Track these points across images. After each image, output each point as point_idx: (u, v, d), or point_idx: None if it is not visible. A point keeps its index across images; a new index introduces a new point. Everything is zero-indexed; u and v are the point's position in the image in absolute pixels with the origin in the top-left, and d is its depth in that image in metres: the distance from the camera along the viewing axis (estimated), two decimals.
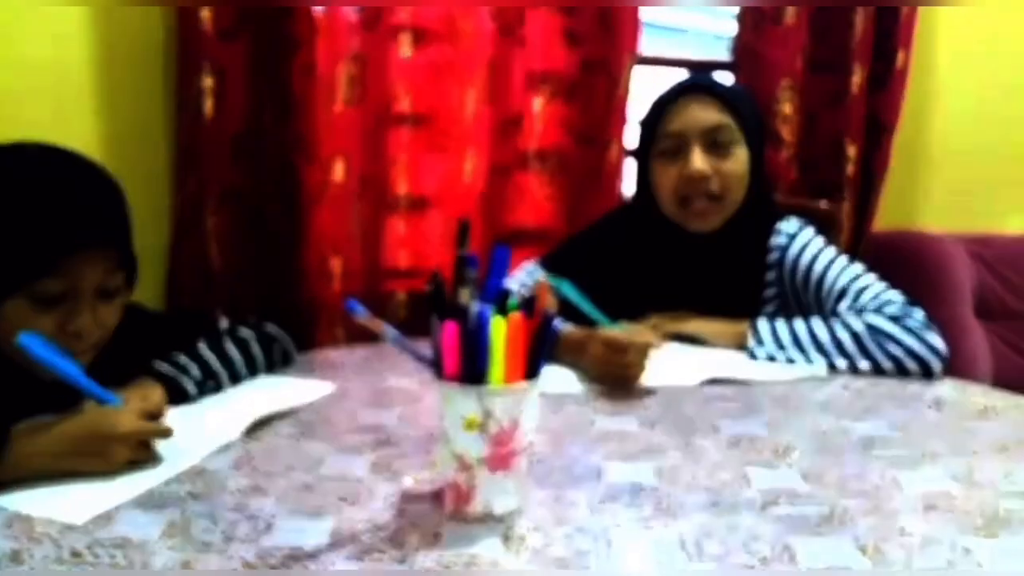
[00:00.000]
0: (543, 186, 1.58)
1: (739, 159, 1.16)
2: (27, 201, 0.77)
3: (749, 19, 1.64)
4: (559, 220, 1.59)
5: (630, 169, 1.40)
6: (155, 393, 0.81)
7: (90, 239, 0.79)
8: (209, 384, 0.92)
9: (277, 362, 1.05)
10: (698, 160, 1.13)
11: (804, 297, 1.18)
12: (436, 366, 0.63)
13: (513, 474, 0.64)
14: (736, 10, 1.67)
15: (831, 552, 0.60)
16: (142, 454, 0.73)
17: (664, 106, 1.17)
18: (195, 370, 0.91)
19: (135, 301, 0.91)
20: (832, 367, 1.07)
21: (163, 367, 0.88)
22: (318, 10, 1.30)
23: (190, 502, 0.66)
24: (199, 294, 1.35)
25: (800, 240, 1.19)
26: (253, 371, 1.00)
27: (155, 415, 0.75)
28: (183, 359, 0.91)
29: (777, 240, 1.21)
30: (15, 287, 0.76)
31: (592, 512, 0.65)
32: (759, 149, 1.19)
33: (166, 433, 0.74)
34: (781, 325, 1.11)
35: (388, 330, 0.62)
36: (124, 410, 0.73)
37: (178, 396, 0.86)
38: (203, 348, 0.95)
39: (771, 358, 1.09)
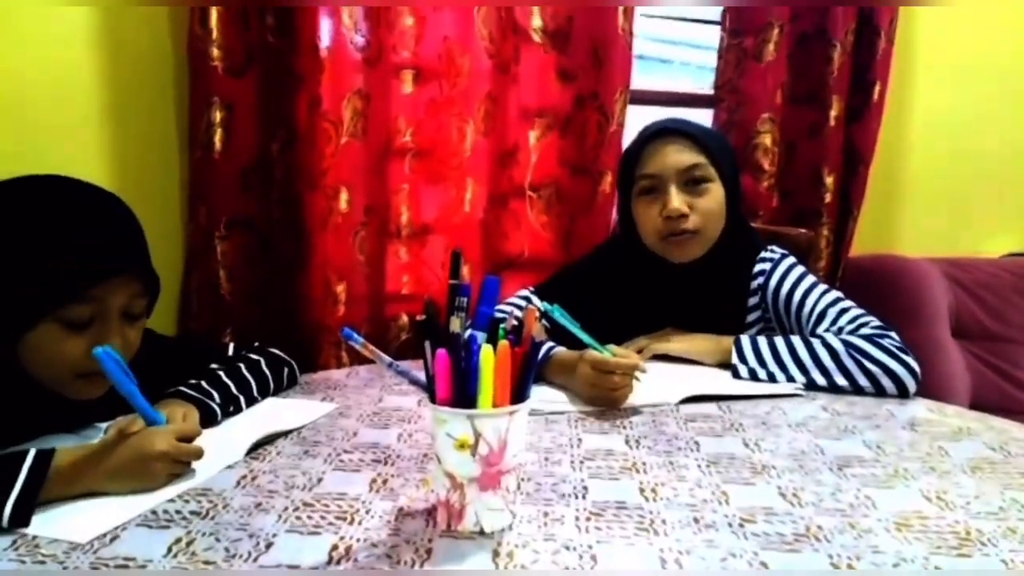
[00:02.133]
0: (539, 215, 1.62)
1: (714, 195, 1.21)
2: (56, 230, 0.81)
3: (730, 55, 1.70)
4: (555, 248, 1.63)
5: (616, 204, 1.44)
6: (194, 414, 0.87)
7: (118, 265, 0.83)
8: (230, 408, 0.97)
9: (284, 384, 1.10)
10: (675, 199, 1.19)
11: (785, 321, 1.22)
12: (429, 390, 0.67)
13: (502, 492, 0.67)
14: (719, 46, 1.73)
15: (806, 569, 0.61)
16: (179, 469, 0.77)
17: (641, 148, 1.23)
18: (218, 395, 0.95)
19: (146, 327, 0.95)
20: (811, 384, 1.10)
21: (192, 392, 0.93)
22: (323, 48, 1.35)
23: (194, 520, 0.68)
24: (210, 318, 1.39)
25: (781, 267, 1.24)
26: (265, 394, 1.05)
27: (188, 436, 0.79)
28: (205, 384, 0.95)
29: (760, 267, 1.25)
30: (46, 312, 0.80)
31: (578, 529, 0.68)
32: (734, 184, 1.24)
33: (199, 453, 0.79)
34: (762, 342, 1.14)
35: (382, 356, 0.65)
36: (161, 431, 0.77)
37: (207, 419, 0.91)
38: (222, 374, 1.00)
39: (753, 374, 1.13)
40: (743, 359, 1.14)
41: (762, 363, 1.13)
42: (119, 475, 0.74)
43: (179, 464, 0.77)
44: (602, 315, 1.17)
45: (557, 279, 1.37)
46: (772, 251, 1.27)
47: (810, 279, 1.23)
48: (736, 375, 1.14)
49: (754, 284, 1.26)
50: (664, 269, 1.25)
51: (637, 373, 1.02)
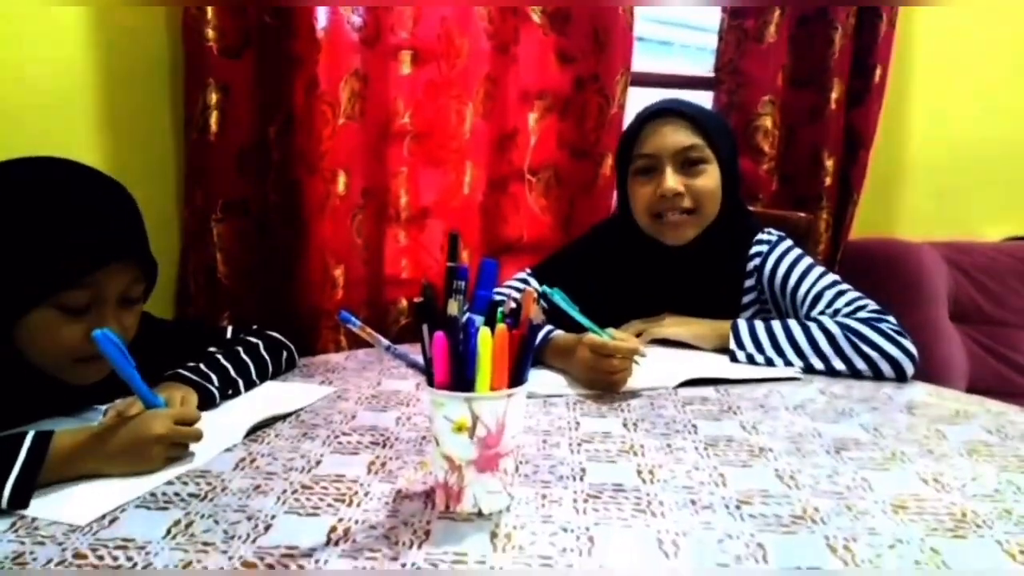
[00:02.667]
0: (538, 199, 1.62)
1: (711, 176, 1.20)
2: (54, 215, 0.80)
3: (731, 37, 1.69)
4: (554, 232, 1.63)
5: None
6: (192, 397, 0.87)
7: (116, 252, 0.83)
8: (228, 391, 0.96)
9: (283, 367, 1.10)
10: (670, 179, 1.19)
11: (781, 303, 1.22)
12: (427, 373, 0.67)
13: (500, 475, 0.67)
14: (719, 27, 1.71)
15: (802, 551, 0.62)
16: (177, 452, 0.77)
17: (638, 128, 1.23)
18: (216, 378, 0.95)
19: (144, 310, 0.95)
20: (809, 368, 1.10)
21: (190, 375, 0.92)
22: (320, 29, 1.34)
23: (193, 502, 0.69)
24: (207, 302, 1.39)
25: (778, 250, 1.24)
26: (263, 377, 1.05)
27: (187, 420, 0.79)
28: (203, 367, 0.95)
29: (756, 249, 1.25)
30: (43, 298, 0.80)
31: (576, 511, 0.68)
32: (731, 166, 1.24)
33: (197, 436, 0.79)
34: (760, 327, 1.14)
35: (380, 339, 0.65)
36: (159, 414, 0.77)
37: (205, 402, 0.90)
38: (220, 357, 0.99)
39: (751, 359, 1.13)
40: (740, 344, 1.14)
41: (760, 348, 1.13)
42: (117, 458, 0.74)
43: (177, 447, 0.77)
44: (598, 296, 1.16)
45: (553, 261, 1.37)
46: (769, 233, 1.27)
47: (807, 261, 1.23)
48: (734, 360, 1.14)
49: (750, 266, 1.26)
50: (659, 250, 1.25)
51: (636, 357, 1.02)
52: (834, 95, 1.70)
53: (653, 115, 1.22)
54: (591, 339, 1.02)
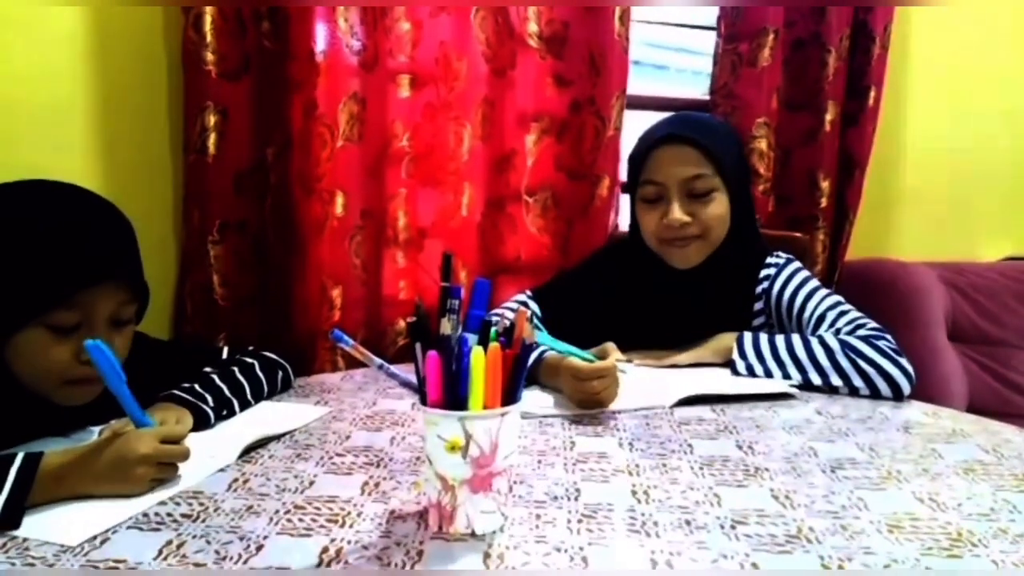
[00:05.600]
0: (536, 219, 1.62)
1: (718, 203, 1.21)
2: (45, 236, 0.80)
3: (726, 61, 1.71)
4: (551, 252, 1.63)
5: (624, 204, 1.44)
6: (187, 418, 0.87)
7: (106, 272, 0.83)
8: (223, 412, 0.96)
9: (279, 387, 1.10)
10: (676, 211, 1.19)
11: (786, 324, 1.23)
12: (420, 392, 0.67)
13: (493, 495, 0.67)
14: (714, 51, 1.73)
15: (797, 571, 0.61)
16: (164, 473, 0.76)
17: (646, 153, 1.22)
18: (211, 398, 0.95)
19: (139, 330, 0.95)
20: (807, 383, 1.11)
21: (185, 396, 0.92)
22: (319, 53, 1.35)
23: (185, 523, 0.68)
24: (203, 323, 1.39)
25: (786, 272, 1.25)
26: (258, 397, 1.05)
27: (174, 439, 0.78)
28: (198, 388, 0.95)
29: (765, 272, 1.26)
30: (33, 317, 0.80)
31: (570, 531, 0.68)
32: (741, 188, 1.24)
33: (184, 455, 0.78)
34: (763, 340, 1.16)
35: (372, 358, 0.65)
36: (144, 433, 0.76)
37: (200, 422, 0.90)
38: (215, 377, 0.99)
39: (750, 370, 1.13)
40: (743, 354, 1.15)
41: (760, 358, 1.14)
42: (102, 478, 0.73)
43: (164, 467, 0.76)
44: (603, 320, 1.17)
45: (556, 283, 1.37)
46: (777, 256, 1.29)
47: (813, 283, 1.24)
48: (734, 371, 1.14)
49: (759, 289, 1.27)
50: (666, 272, 1.25)
51: (622, 366, 1.02)
52: (829, 117, 1.72)
53: (660, 140, 1.21)
54: (568, 365, 1.02)
